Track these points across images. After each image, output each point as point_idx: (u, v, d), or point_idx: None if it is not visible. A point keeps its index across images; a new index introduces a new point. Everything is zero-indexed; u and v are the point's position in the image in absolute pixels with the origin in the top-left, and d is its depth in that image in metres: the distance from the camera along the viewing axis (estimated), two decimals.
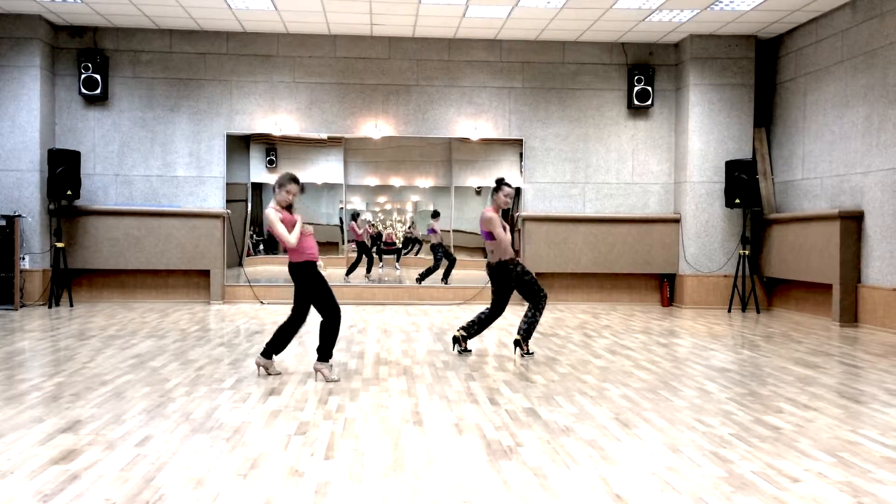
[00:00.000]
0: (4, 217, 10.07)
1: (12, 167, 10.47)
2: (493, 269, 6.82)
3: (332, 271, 12.55)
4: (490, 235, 6.72)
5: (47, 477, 3.43)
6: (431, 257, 12.72)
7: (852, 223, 9.31)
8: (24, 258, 10.37)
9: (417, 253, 13.76)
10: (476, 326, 6.98)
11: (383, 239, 13.84)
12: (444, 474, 3.54)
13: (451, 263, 12.47)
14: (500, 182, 6.85)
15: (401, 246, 13.78)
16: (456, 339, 7.00)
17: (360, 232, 13.03)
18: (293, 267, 5.75)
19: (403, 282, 12.38)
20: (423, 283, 11.96)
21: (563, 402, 5.06)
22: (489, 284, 7.06)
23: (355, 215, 13.14)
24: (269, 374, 5.84)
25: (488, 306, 7.00)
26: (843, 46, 9.69)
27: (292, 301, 5.88)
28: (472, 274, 12.28)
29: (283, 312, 10.10)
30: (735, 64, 11.21)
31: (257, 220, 12.94)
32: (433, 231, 12.88)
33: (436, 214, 13.02)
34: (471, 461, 3.74)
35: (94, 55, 10.89)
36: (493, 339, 7.97)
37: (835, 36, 9.85)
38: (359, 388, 5.45)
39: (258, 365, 5.86)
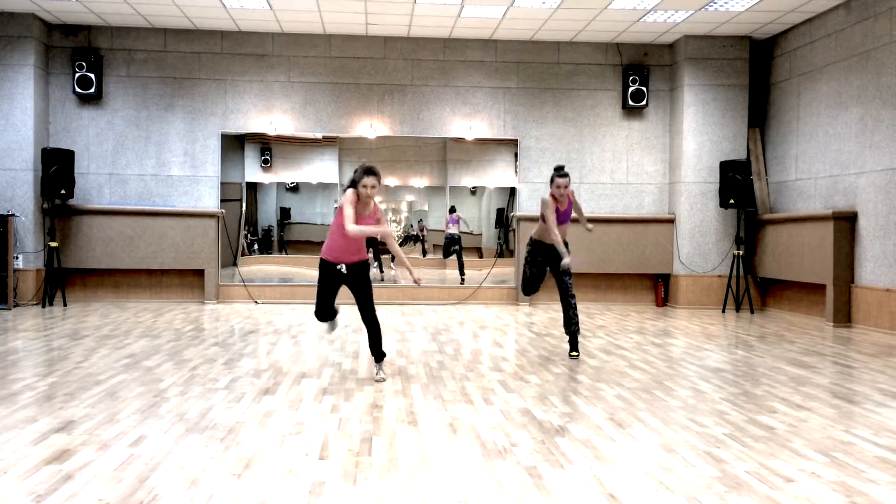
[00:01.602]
0: None
1: (6, 166, 10.43)
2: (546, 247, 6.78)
3: None
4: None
5: (41, 477, 3.42)
6: (430, 255, 12.77)
7: (846, 223, 9.34)
8: (17, 257, 10.34)
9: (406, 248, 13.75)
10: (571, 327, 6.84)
11: (378, 238, 13.78)
12: (439, 474, 3.54)
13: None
14: (555, 170, 6.78)
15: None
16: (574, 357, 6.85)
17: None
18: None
19: (398, 281, 12.37)
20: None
21: (558, 401, 5.07)
22: (530, 269, 6.89)
23: None
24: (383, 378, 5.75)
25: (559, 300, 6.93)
26: (836, 47, 9.72)
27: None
28: (468, 274, 12.28)
29: (277, 312, 10.09)
30: (729, 65, 11.24)
31: (252, 220, 12.91)
32: (457, 221, 12.88)
33: (453, 210, 13.02)
34: (465, 461, 3.75)
35: (88, 54, 10.86)
36: (488, 338, 7.97)
37: (829, 37, 9.88)
38: (353, 388, 5.45)
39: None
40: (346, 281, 5.71)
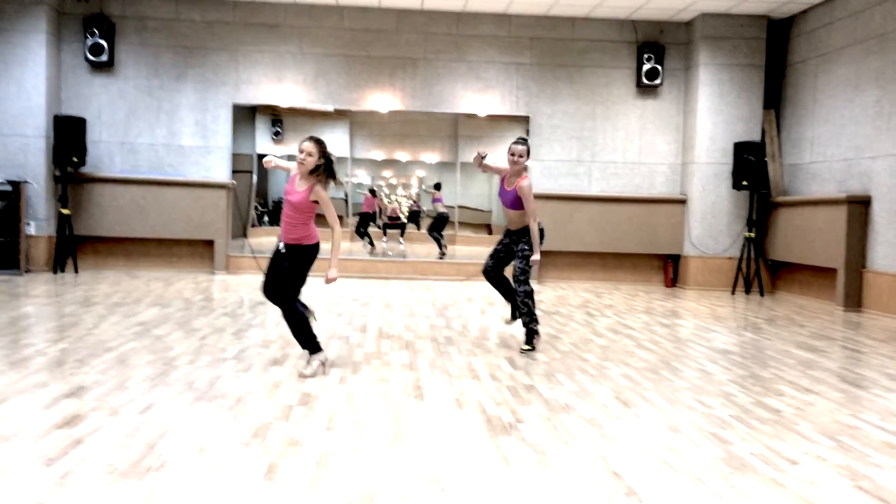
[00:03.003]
0: (10, 183, 10.06)
1: (18, 132, 10.44)
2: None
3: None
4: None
5: (51, 441, 3.46)
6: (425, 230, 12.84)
7: (860, 208, 9.26)
8: (29, 224, 10.38)
9: (419, 227, 13.78)
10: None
11: (388, 213, 13.82)
12: (444, 448, 3.57)
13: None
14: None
15: (405, 221, 13.77)
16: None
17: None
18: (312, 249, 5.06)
19: (407, 256, 12.37)
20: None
21: (564, 379, 5.08)
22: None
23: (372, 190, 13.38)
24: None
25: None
26: (855, 29, 9.58)
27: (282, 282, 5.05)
28: (475, 251, 12.27)
29: None
30: (746, 44, 11.09)
31: (262, 191, 12.92)
32: (440, 200, 12.88)
33: (438, 186, 13.02)
34: (471, 436, 3.77)
35: (100, 21, 10.81)
36: (496, 315, 7.97)
37: (848, 18, 9.73)
38: (361, 361, 5.48)
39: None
40: (282, 259, 5.05)
